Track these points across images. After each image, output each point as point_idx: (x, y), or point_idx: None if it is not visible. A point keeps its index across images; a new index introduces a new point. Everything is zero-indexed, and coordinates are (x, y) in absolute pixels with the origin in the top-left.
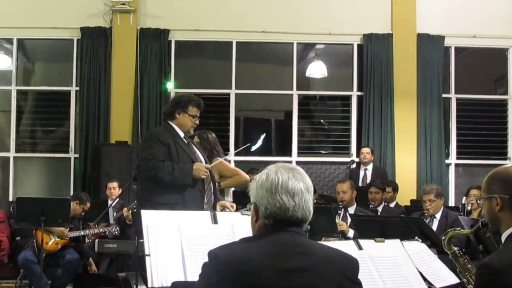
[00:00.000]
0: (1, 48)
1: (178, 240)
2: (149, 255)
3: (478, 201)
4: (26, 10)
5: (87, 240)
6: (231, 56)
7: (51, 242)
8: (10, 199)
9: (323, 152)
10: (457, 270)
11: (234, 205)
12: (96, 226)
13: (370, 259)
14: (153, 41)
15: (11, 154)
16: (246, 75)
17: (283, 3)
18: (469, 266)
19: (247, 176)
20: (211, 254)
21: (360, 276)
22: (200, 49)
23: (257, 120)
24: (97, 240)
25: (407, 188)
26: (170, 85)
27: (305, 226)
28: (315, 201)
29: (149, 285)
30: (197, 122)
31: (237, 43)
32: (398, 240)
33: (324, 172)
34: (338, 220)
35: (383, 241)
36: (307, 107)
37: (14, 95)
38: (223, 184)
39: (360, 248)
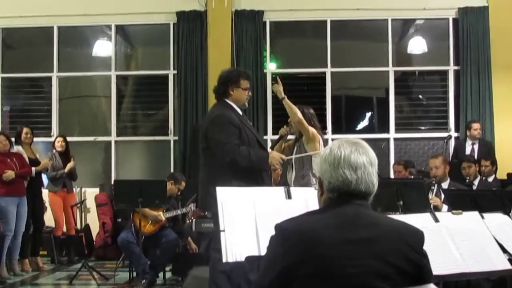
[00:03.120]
0: (101, 35)
1: (252, 216)
2: (223, 230)
3: None
4: None
5: (187, 221)
6: (326, 35)
7: (149, 225)
8: (113, 182)
9: (422, 128)
10: None
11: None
12: (195, 205)
13: (446, 231)
14: (248, 22)
15: (113, 138)
16: (342, 53)
17: None
18: None
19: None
20: (277, 227)
21: (436, 248)
22: (295, 29)
23: (359, 98)
24: (194, 219)
25: (507, 163)
26: (273, 65)
27: (371, 198)
28: (412, 176)
29: (224, 259)
30: (250, 94)
31: (332, 21)
32: (476, 212)
33: (423, 148)
34: (431, 195)
35: (461, 213)
36: (405, 83)
37: (114, 80)
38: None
39: (436, 220)
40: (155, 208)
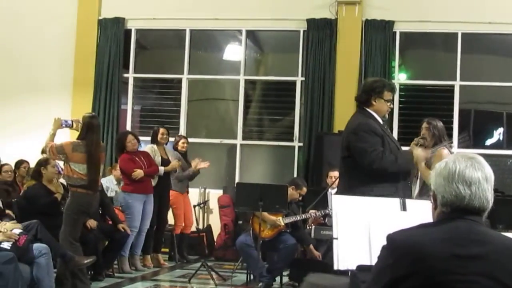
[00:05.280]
0: (231, 39)
1: (366, 226)
2: (337, 238)
3: None
4: (255, 2)
5: (307, 227)
6: (456, 47)
7: (267, 229)
8: (235, 184)
9: None
10: None
11: None
12: (315, 212)
13: None
14: (377, 32)
15: (238, 141)
16: (472, 67)
17: None
18: None
19: None
20: (389, 237)
21: None
22: (424, 40)
23: (488, 113)
24: (313, 226)
25: None
26: (401, 76)
27: (485, 215)
28: None
29: (335, 267)
30: (392, 106)
31: (463, 34)
32: None
33: None
34: None
35: None
36: None
37: (242, 84)
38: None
39: None
40: (275, 212)
